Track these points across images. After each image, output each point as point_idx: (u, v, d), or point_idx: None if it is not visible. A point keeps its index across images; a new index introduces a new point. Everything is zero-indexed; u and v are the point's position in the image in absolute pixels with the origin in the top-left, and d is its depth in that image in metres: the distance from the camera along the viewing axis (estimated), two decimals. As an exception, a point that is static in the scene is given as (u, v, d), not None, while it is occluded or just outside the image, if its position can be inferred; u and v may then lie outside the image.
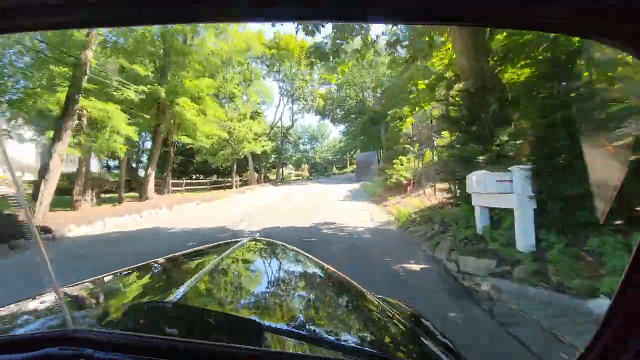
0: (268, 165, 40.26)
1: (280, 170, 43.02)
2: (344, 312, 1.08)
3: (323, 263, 1.48)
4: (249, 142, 25.28)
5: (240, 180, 32.36)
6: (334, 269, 1.43)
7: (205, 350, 0.54)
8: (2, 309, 0.87)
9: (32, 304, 0.92)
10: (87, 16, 0.42)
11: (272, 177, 42.14)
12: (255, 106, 33.59)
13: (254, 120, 25.51)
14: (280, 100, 38.05)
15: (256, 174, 36.38)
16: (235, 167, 26.01)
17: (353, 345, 0.75)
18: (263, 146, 28.46)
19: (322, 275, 1.38)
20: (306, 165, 71.96)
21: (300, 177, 52.16)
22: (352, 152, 60.77)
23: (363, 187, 22.01)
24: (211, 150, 23.73)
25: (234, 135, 23.17)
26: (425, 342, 1.02)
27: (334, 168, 74.08)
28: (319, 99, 39.80)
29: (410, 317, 1.29)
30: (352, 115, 40.78)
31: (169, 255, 1.44)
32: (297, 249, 1.66)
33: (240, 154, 25.47)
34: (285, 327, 0.77)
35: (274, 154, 37.22)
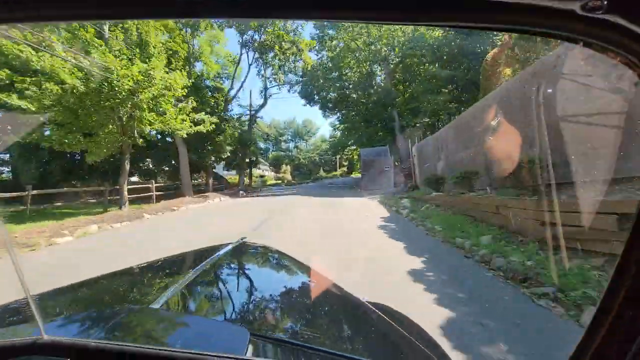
0: (232, 162, 26.92)
1: (247, 172, 29.61)
2: (332, 317, 1.05)
3: (309, 266, 1.47)
4: (165, 116, 12.17)
5: (166, 187, 19.14)
6: (320, 272, 1.40)
7: (188, 359, 0.51)
8: None
9: (3, 311, 0.89)
10: (88, 10, 0.43)
11: (235, 181, 28.97)
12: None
13: (180, 73, 12.45)
14: (242, 53, 24.55)
15: (210, 179, 23.24)
16: (127, 164, 12.64)
17: (340, 352, 0.69)
18: (207, 126, 15.53)
19: (309, 279, 1.36)
20: (288, 166, 59.63)
21: (281, 182, 38.95)
22: (345, 150, 48.54)
23: (411, 213, 9.39)
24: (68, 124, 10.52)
25: (121, 88, 10.10)
26: (415, 346, 0.96)
27: (321, 170, 62.24)
28: (306, 58, 26.63)
29: (401, 321, 1.18)
30: (353, 96, 28.14)
31: (155, 259, 1.38)
32: (285, 252, 1.64)
33: (142, 133, 12.31)
34: (272, 334, 0.75)
35: (236, 146, 24.10)
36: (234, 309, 0.94)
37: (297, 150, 71.08)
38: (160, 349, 0.53)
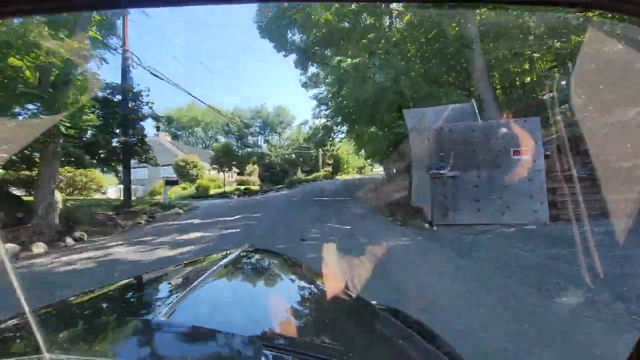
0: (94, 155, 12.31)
1: (123, 175, 13.95)
2: (343, 325, 1.04)
3: (318, 271, 1.50)
4: None
5: None
6: (331, 277, 1.48)
7: None
8: None
9: (2, 329, 0.82)
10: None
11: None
12: None
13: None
14: None
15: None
16: None
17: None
18: None
19: (319, 284, 1.34)
20: (256, 166, 45.70)
21: (237, 192, 24.01)
22: (329, 144, 35.01)
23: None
24: None
25: None
26: (431, 351, 0.95)
27: (299, 171, 48.76)
28: None
29: (413, 325, 1.14)
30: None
31: (160, 269, 1.41)
32: (292, 258, 1.65)
33: None
34: (283, 344, 0.72)
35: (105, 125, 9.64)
36: (243, 319, 0.90)
37: (268, 146, 57.04)
38: None
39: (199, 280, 0.99)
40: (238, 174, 48.58)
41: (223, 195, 21.96)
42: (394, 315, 1.13)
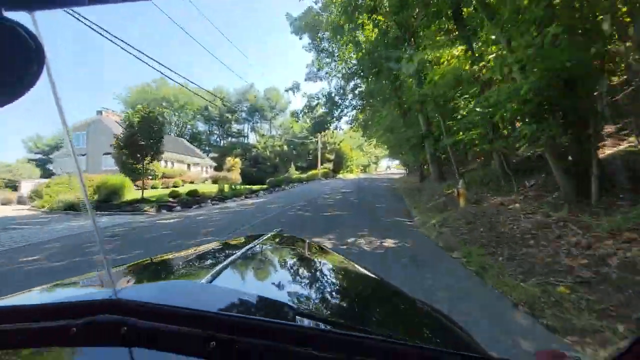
0: None
1: None
2: (371, 302, 1.06)
3: (343, 257, 1.50)
4: None
5: None
6: (354, 262, 1.41)
7: (242, 322, 0.54)
8: (57, 281, 0.94)
9: (84, 277, 1.00)
10: None
11: None
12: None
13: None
14: None
15: None
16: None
17: (381, 334, 0.69)
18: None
19: (343, 267, 1.38)
20: (238, 159, 36.16)
21: (199, 200, 14.33)
22: (338, 119, 25.69)
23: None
24: None
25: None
26: (457, 335, 0.95)
27: (292, 168, 39.10)
28: None
29: (439, 314, 1.11)
30: None
31: (194, 248, 1.49)
32: (318, 243, 1.75)
33: None
34: (312, 312, 0.78)
35: None
36: (277, 289, 0.96)
37: (256, 136, 47.25)
38: (216, 312, 0.57)
39: (233, 257, 1.07)
40: (216, 168, 39.04)
41: (120, 207, 11.95)
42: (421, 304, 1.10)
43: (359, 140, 50.19)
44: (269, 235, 1.56)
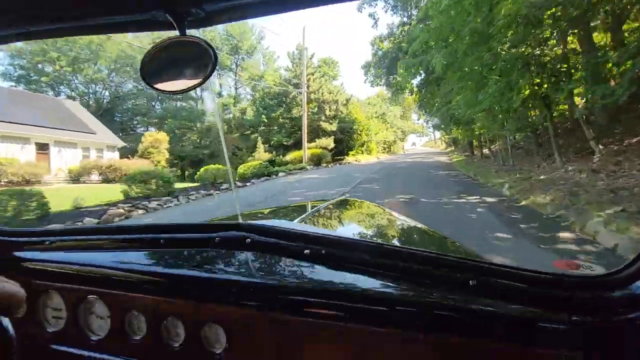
0: None
1: None
2: (435, 245, 1.39)
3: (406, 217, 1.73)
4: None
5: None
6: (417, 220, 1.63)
7: (326, 238, 0.74)
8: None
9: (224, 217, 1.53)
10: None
11: None
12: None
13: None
14: None
15: None
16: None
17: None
18: None
19: (412, 223, 1.59)
20: (164, 135, 19.73)
21: None
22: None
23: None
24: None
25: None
26: None
27: (261, 148, 22.21)
28: None
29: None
30: None
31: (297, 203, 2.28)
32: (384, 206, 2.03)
33: None
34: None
35: None
36: (351, 233, 1.27)
37: (210, 97, 29.93)
38: (318, 234, 0.78)
39: (313, 210, 1.40)
40: (126, 152, 22.84)
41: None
42: None
43: (379, 108, 34.52)
44: (340, 198, 1.97)
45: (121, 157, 19.45)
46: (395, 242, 1.33)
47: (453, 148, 29.23)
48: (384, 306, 0.59)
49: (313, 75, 23.11)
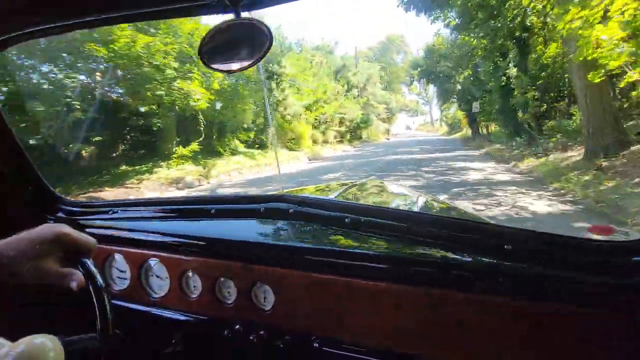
0: None
1: None
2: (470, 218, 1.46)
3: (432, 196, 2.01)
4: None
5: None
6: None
7: (364, 208, 0.82)
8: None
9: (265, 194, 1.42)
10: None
11: None
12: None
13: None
14: None
15: None
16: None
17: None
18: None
19: (436, 201, 1.87)
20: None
21: None
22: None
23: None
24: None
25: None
26: None
27: (237, 142, 11.22)
28: None
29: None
30: None
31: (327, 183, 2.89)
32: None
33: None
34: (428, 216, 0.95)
35: None
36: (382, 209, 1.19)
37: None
38: (357, 204, 0.96)
39: (343, 188, 1.44)
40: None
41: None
42: None
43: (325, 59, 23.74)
44: (366, 181, 2.04)
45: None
46: (427, 212, 1.44)
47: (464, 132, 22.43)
48: (421, 267, 0.63)
49: None
